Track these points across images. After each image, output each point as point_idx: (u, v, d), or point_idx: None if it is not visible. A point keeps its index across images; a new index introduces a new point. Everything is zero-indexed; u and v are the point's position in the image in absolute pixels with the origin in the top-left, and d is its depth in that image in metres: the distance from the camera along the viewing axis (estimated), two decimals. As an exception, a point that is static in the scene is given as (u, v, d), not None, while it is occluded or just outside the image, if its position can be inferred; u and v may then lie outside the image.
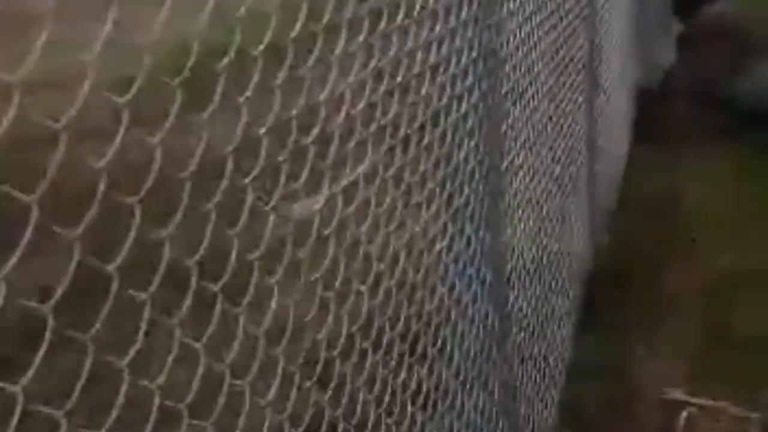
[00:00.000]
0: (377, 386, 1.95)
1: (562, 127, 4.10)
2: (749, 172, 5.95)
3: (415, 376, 2.13)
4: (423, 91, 2.13)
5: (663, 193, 5.78)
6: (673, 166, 6.26)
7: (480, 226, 2.54)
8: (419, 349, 2.17)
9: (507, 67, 2.81)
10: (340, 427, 1.78)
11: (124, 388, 1.21)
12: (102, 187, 1.07)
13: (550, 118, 3.81)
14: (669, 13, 7.93)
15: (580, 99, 4.54)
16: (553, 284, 3.78)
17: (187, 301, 1.30)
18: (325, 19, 1.62)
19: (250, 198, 1.43)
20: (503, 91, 2.75)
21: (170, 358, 1.28)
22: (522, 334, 3.11)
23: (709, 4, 7.23)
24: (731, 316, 4.33)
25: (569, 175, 4.25)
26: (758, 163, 6.02)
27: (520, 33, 3.04)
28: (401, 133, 1.99)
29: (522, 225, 3.18)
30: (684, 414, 3.66)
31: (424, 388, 2.17)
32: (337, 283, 1.76)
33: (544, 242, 3.74)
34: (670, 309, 4.45)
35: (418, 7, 2.09)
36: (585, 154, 4.66)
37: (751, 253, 4.80)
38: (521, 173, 3.15)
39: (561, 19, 3.97)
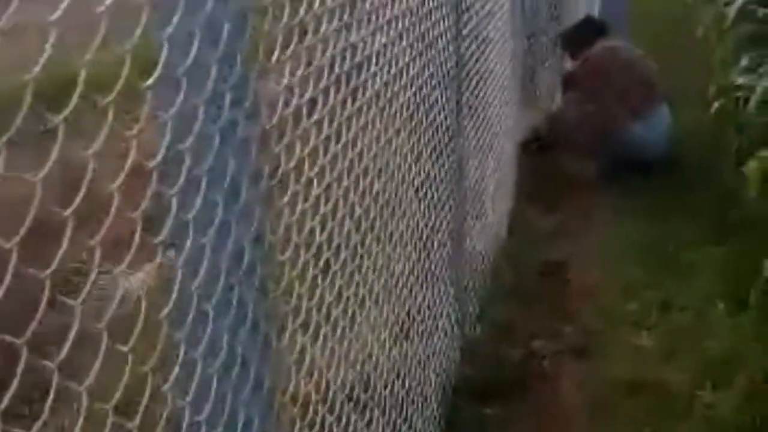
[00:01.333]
0: None
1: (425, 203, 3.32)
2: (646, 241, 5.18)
3: None
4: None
5: (545, 268, 4.97)
6: (557, 232, 5.47)
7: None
8: None
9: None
10: None
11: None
12: None
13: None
14: (558, 50, 7.14)
15: (446, 168, 3.70)
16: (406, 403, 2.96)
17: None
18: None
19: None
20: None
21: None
22: None
23: (602, 38, 6.45)
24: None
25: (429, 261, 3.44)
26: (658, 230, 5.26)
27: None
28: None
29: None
30: None
31: None
32: None
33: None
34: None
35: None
36: (452, 230, 3.83)
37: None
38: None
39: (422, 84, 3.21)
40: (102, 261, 1.28)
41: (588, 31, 6.48)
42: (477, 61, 4.32)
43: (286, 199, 1.88)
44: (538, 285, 4.78)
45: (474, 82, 4.25)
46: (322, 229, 2.14)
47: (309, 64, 2.05)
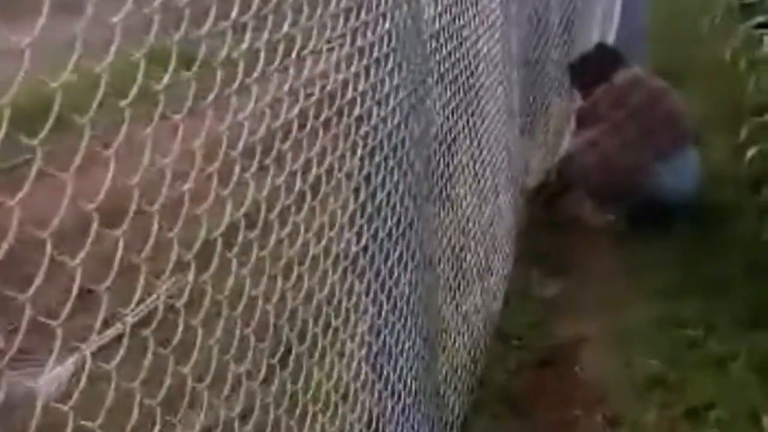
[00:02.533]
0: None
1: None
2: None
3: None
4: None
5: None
6: (565, 305, 4.61)
7: None
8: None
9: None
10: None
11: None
12: None
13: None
14: (565, 83, 6.26)
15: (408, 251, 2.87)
16: None
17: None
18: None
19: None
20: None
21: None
22: None
23: (618, 68, 5.57)
24: None
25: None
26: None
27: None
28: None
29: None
30: None
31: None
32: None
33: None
34: None
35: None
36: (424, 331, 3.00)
37: None
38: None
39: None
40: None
41: (601, 62, 5.60)
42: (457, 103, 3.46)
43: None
44: (538, 380, 3.92)
45: (453, 132, 3.39)
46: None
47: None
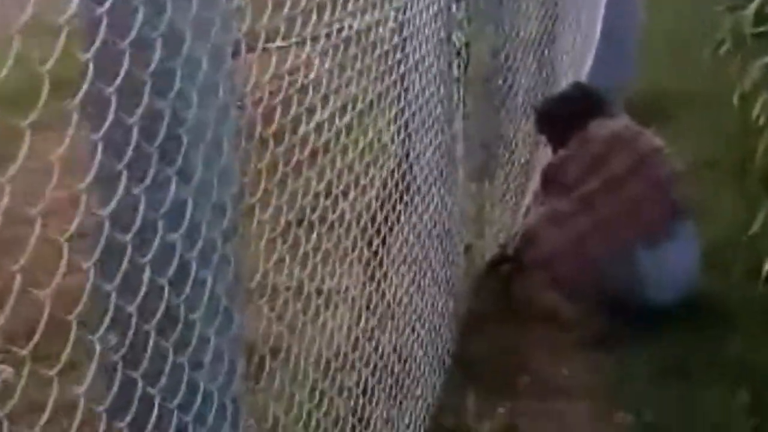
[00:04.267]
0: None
1: None
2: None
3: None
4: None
5: None
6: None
7: None
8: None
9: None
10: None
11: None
12: None
13: None
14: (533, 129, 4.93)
15: None
16: None
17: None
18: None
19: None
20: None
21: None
22: None
23: (591, 119, 4.28)
24: None
25: None
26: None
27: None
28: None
29: None
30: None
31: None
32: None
33: None
34: None
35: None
36: None
37: None
38: None
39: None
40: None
41: (577, 107, 4.32)
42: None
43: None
44: None
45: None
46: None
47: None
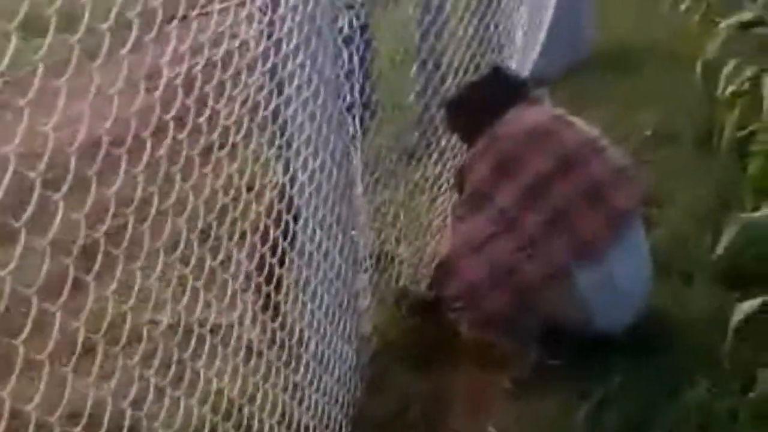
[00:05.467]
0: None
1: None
2: None
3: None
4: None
5: None
6: None
7: None
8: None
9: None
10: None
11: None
12: None
13: None
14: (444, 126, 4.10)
15: None
16: None
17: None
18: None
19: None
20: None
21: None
22: None
23: (504, 110, 3.48)
24: None
25: None
26: None
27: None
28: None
29: None
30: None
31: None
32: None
33: None
34: None
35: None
36: None
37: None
38: None
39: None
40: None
41: (491, 94, 3.52)
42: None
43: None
44: None
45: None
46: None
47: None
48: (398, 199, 3.90)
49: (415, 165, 4.19)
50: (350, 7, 3.39)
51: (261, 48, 2.58)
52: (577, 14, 6.64)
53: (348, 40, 3.29)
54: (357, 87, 3.33)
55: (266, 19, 2.63)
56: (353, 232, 3.23)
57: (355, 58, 3.31)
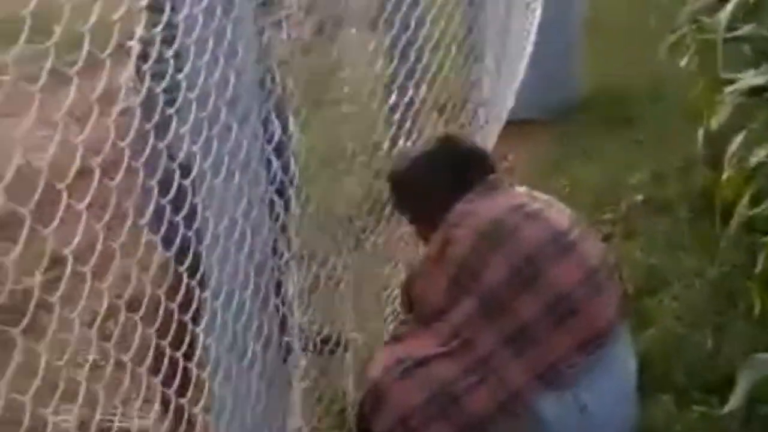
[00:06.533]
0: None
1: None
2: None
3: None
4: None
5: None
6: None
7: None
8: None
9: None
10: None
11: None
12: None
13: None
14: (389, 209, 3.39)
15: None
16: None
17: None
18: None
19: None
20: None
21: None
22: None
23: (460, 194, 2.79)
24: None
25: None
26: None
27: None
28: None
29: None
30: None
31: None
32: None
33: None
34: None
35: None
36: None
37: None
38: None
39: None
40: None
41: (445, 171, 2.85)
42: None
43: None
44: None
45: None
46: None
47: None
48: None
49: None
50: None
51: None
52: (561, 49, 6.04)
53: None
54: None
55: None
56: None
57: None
